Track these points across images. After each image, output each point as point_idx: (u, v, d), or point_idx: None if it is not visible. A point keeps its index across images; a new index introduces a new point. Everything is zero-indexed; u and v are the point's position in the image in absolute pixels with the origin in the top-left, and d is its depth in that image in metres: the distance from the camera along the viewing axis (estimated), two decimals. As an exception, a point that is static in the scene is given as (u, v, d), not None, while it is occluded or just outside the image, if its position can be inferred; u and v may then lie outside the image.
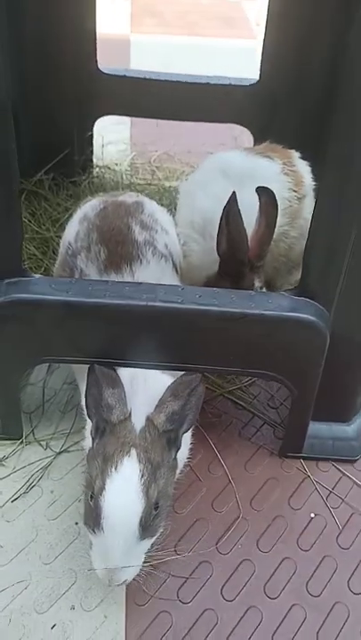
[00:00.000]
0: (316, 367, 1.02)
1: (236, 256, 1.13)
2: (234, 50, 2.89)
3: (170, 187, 1.94)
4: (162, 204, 1.86)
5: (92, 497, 0.88)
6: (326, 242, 0.98)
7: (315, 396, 1.09)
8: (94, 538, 0.88)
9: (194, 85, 1.60)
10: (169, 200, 1.86)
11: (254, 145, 1.83)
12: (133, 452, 0.88)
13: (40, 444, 1.21)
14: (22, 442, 1.20)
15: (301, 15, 1.44)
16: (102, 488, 0.86)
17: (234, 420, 1.30)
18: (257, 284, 1.17)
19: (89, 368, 0.96)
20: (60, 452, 1.19)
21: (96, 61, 1.60)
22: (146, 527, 0.86)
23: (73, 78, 1.60)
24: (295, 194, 1.37)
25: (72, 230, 1.21)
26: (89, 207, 1.24)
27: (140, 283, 0.97)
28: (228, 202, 1.11)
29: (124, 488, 0.85)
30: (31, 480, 1.14)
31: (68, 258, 1.15)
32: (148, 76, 1.60)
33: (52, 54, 1.57)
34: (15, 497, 1.11)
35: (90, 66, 1.60)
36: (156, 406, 0.92)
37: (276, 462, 1.23)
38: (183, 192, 1.44)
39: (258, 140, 1.74)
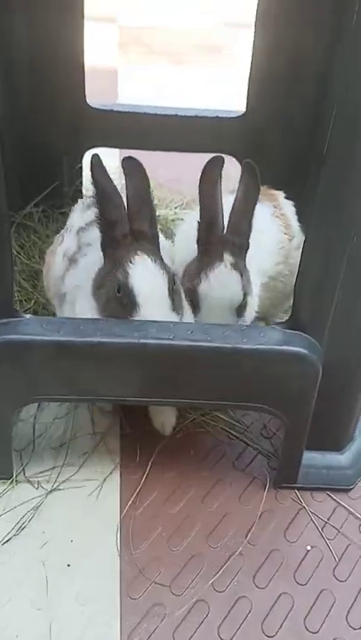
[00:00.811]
0: (308, 399, 1.03)
1: (211, 230, 1.17)
2: (220, 78, 2.95)
3: (159, 215, 1.96)
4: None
5: (118, 289, 1.01)
6: (316, 275, 0.99)
7: (308, 426, 1.09)
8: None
9: (182, 118, 1.63)
10: (158, 229, 1.88)
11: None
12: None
13: (31, 483, 1.19)
14: (12, 481, 1.18)
15: (286, 48, 1.48)
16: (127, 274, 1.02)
17: (227, 451, 1.29)
18: (229, 259, 1.15)
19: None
20: (50, 491, 1.18)
21: (84, 96, 1.63)
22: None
23: (62, 112, 1.63)
24: (286, 236, 1.41)
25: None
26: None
27: (132, 320, 0.97)
28: (204, 174, 1.18)
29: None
30: (22, 521, 1.12)
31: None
32: (136, 110, 1.63)
33: (40, 89, 1.59)
34: (5, 539, 1.09)
35: (78, 100, 1.62)
36: None
37: (270, 493, 1.22)
38: (180, 232, 1.45)
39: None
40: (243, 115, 1.62)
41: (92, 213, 1.14)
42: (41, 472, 1.21)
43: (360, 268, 0.95)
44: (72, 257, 1.22)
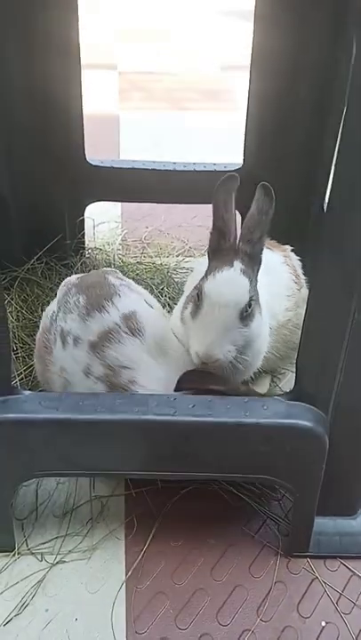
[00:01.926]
0: (316, 471, 0.99)
1: (223, 238, 1.17)
2: (221, 123, 3.00)
3: (161, 264, 1.96)
4: (154, 284, 1.91)
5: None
6: (320, 343, 0.97)
7: (317, 497, 1.05)
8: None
9: (180, 173, 1.64)
10: (160, 278, 1.88)
11: (242, 222, 1.87)
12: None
13: (34, 555, 1.16)
14: (15, 553, 1.15)
15: (281, 101, 1.49)
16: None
17: (236, 515, 1.25)
18: (239, 265, 1.14)
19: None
20: (54, 564, 1.14)
21: (84, 153, 1.65)
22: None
23: (62, 171, 1.64)
24: (296, 285, 1.41)
25: (53, 302, 1.37)
26: (65, 280, 1.41)
27: (132, 394, 0.95)
28: (220, 185, 1.21)
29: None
30: (24, 598, 1.09)
31: (49, 323, 1.28)
32: (134, 166, 1.64)
33: (41, 147, 1.61)
34: (7, 620, 1.06)
35: (78, 158, 1.64)
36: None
37: (282, 562, 1.18)
38: (196, 272, 1.44)
39: (245, 216, 1.78)
40: (240, 167, 1.62)
41: None
42: (44, 543, 1.18)
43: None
44: None
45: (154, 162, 1.66)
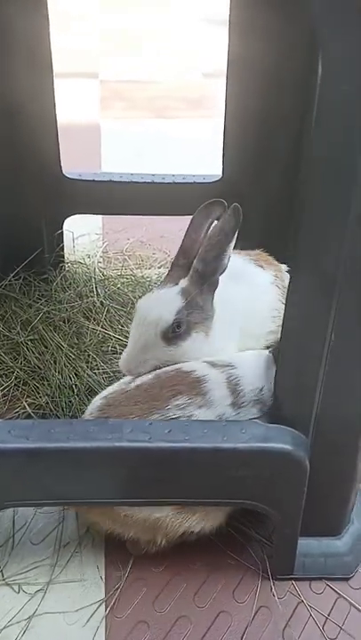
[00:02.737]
0: (298, 494, 0.96)
1: (183, 255, 1.21)
2: (203, 132, 2.98)
3: (142, 276, 1.93)
4: (135, 297, 1.87)
5: None
6: (297, 364, 0.94)
7: (300, 519, 1.02)
8: None
9: (159, 185, 1.61)
10: (142, 291, 1.85)
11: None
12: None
13: (10, 587, 1.12)
14: (-9, 585, 1.11)
15: (260, 110, 1.47)
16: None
17: (220, 537, 1.22)
18: (183, 283, 1.19)
19: None
20: (33, 594, 1.10)
21: (60, 167, 1.61)
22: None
23: (37, 184, 1.61)
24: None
25: None
26: None
27: (106, 420, 0.92)
28: (202, 209, 1.23)
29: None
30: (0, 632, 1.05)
31: None
32: (112, 179, 1.62)
33: (13, 161, 1.58)
34: (-17, 657, 1.02)
35: (54, 171, 1.61)
36: None
37: (266, 586, 1.14)
38: None
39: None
40: (219, 179, 1.60)
41: None
42: (21, 573, 1.14)
43: (345, 351, 0.90)
44: None
45: (132, 174, 1.64)
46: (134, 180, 1.61)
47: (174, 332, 1.14)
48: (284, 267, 1.45)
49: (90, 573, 1.14)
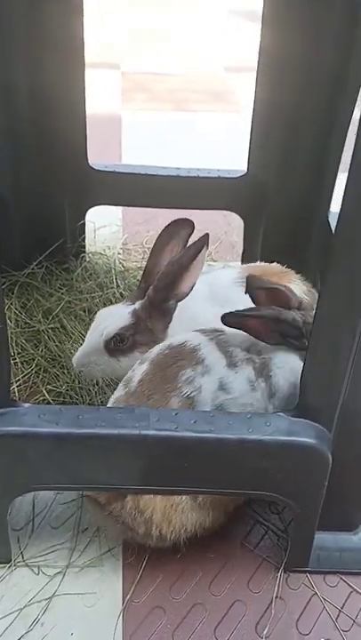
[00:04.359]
0: (318, 488, 0.98)
1: (145, 278, 1.28)
2: (223, 125, 2.98)
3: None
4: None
5: None
6: (325, 360, 0.95)
7: (318, 513, 1.04)
8: None
9: (183, 179, 1.62)
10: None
11: (244, 229, 1.85)
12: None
13: (30, 568, 1.14)
14: (11, 566, 1.13)
15: (287, 107, 1.47)
16: None
17: (234, 528, 1.24)
18: (135, 306, 1.26)
19: None
20: (51, 577, 1.13)
21: (86, 157, 1.63)
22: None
23: (64, 174, 1.62)
24: None
25: None
26: None
27: (134, 408, 0.94)
28: (168, 228, 1.28)
29: None
30: (19, 612, 1.07)
31: None
32: (137, 171, 1.62)
33: (43, 150, 1.59)
34: (1, 633, 1.04)
35: (81, 161, 1.62)
36: None
37: (281, 577, 1.16)
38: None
39: (248, 223, 1.77)
40: (245, 174, 1.60)
41: None
42: (40, 555, 1.16)
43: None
44: None
45: (157, 167, 1.64)
46: (160, 174, 1.62)
47: (116, 346, 1.23)
48: (294, 276, 1.36)
49: (107, 558, 1.17)
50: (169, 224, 1.29)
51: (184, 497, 1.02)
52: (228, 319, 1.08)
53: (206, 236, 1.20)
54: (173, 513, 1.03)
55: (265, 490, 0.98)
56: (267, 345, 1.10)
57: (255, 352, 1.10)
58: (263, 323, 1.08)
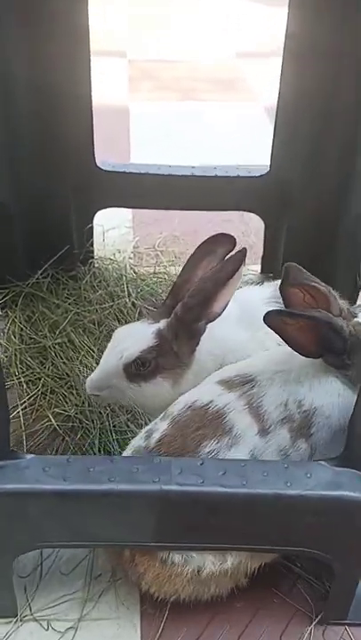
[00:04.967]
0: (364, 544, 0.85)
1: (174, 294, 1.16)
2: (235, 115, 2.81)
3: (176, 274, 1.81)
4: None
5: None
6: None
7: (363, 568, 0.91)
8: None
9: (198, 178, 1.48)
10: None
11: (265, 231, 1.71)
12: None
13: (39, 622, 1.03)
14: (17, 620, 1.02)
15: (313, 106, 1.33)
16: None
17: (265, 574, 1.11)
18: (160, 325, 1.12)
19: None
20: (63, 633, 1.01)
21: (94, 157, 1.49)
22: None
23: (69, 175, 1.49)
24: None
25: None
26: None
27: (152, 459, 0.81)
28: (205, 244, 1.15)
29: None
30: None
31: None
32: (148, 171, 1.49)
33: (45, 151, 1.46)
34: None
35: (87, 162, 1.49)
36: None
37: (317, 630, 1.04)
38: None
39: (270, 226, 1.62)
40: (266, 174, 1.46)
41: None
42: (49, 607, 1.05)
43: None
44: None
45: (170, 166, 1.50)
46: (172, 173, 1.48)
47: (137, 370, 1.09)
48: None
49: (124, 610, 1.05)
50: (206, 240, 1.15)
51: (187, 567, 0.91)
52: (272, 319, 0.92)
53: (244, 250, 1.05)
54: (167, 581, 0.93)
55: (303, 546, 0.86)
56: (311, 386, 0.93)
57: (295, 404, 0.93)
58: (306, 330, 0.92)
